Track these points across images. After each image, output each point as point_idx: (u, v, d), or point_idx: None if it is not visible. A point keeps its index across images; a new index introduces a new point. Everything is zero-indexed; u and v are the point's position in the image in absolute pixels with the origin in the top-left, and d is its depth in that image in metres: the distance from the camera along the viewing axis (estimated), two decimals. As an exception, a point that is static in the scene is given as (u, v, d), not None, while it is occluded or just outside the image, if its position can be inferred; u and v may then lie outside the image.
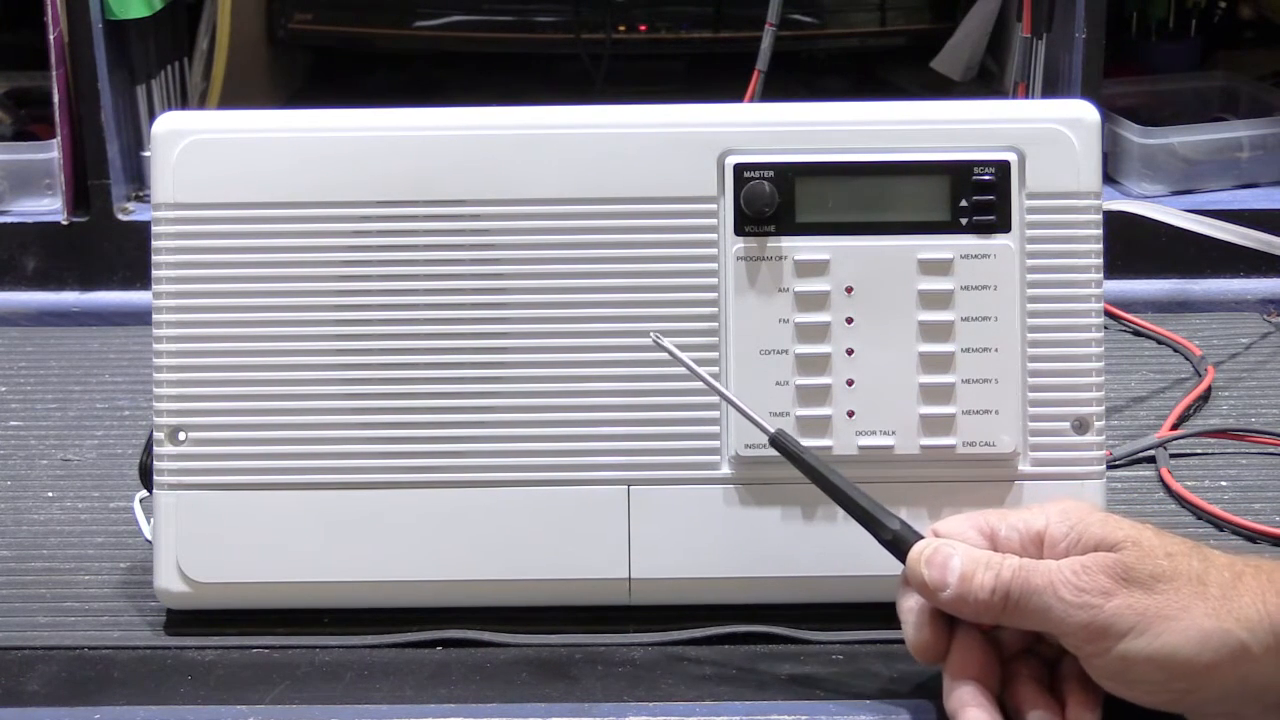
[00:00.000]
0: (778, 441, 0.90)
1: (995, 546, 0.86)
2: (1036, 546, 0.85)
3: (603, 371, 0.95)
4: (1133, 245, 1.36)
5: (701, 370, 0.91)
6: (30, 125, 1.50)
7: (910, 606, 0.86)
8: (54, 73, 1.37)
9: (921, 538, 0.87)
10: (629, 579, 0.95)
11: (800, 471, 0.90)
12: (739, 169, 0.95)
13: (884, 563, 0.91)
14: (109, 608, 0.98)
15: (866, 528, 0.88)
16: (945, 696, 0.85)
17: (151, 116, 1.42)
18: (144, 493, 0.99)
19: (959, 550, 0.85)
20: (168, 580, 0.95)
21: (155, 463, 0.95)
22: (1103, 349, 0.95)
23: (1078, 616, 0.81)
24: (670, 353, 0.91)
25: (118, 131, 1.41)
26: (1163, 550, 0.82)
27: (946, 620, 0.86)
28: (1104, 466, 0.96)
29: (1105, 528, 0.84)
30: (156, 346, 0.96)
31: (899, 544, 0.87)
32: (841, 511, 0.94)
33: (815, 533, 0.95)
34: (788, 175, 0.95)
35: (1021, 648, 0.87)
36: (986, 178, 0.95)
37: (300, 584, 0.95)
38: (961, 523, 0.87)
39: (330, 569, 0.95)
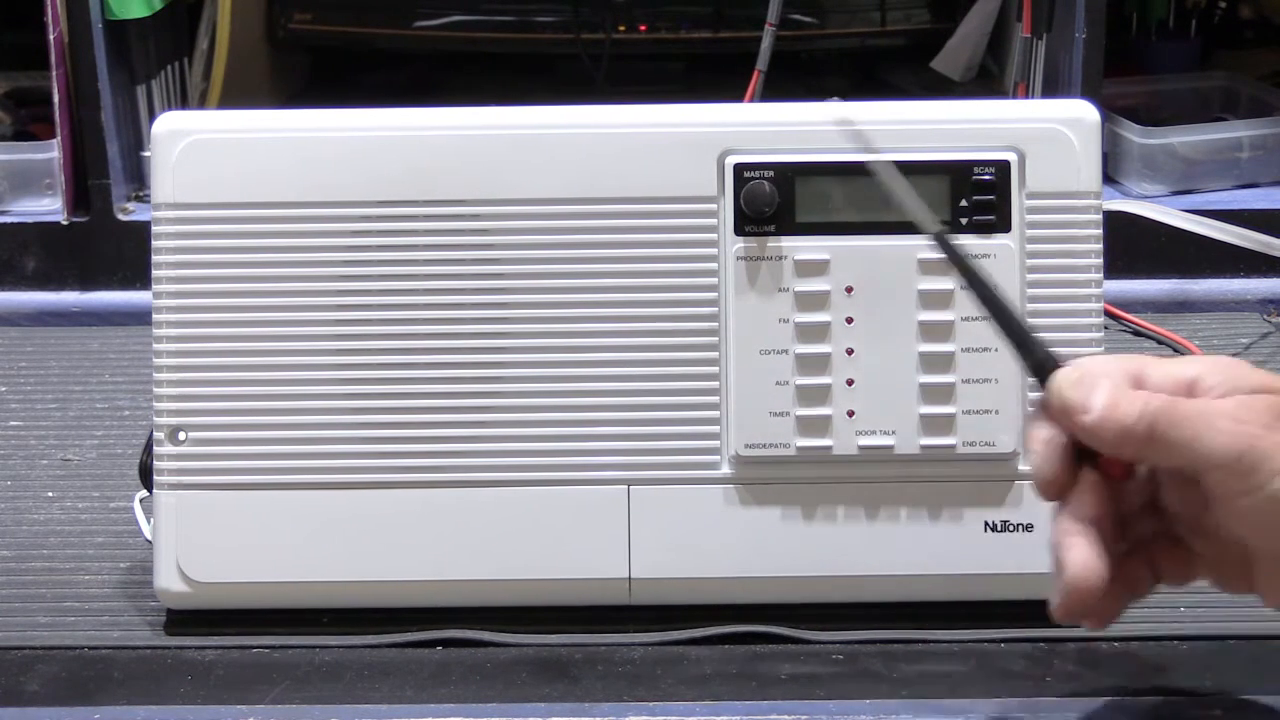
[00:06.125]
0: (941, 239, 0.84)
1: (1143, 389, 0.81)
2: (1187, 393, 0.80)
3: (602, 371, 0.95)
4: (1133, 245, 1.36)
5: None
6: (30, 125, 1.50)
7: (1042, 437, 0.82)
8: (54, 73, 1.37)
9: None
10: (629, 579, 0.95)
11: (959, 273, 0.84)
12: (739, 169, 0.95)
13: (883, 563, 0.91)
14: (109, 608, 0.98)
15: (1014, 346, 0.83)
16: (1052, 529, 0.81)
17: (151, 116, 1.42)
18: (144, 493, 0.99)
19: (1106, 380, 0.80)
20: (168, 580, 0.95)
21: (155, 463, 0.95)
22: (1103, 349, 0.95)
23: (1233, 445, 0.77)
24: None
25: (118, 131, 1.40)
26: None
27: (1075, 460, 0.81)
28: (1104, 466, 0.96)
29: (1264, 377, 0.80)
30: (156, 346, 0.96)
31: (1043, 368, 0.82)
32: (842, 510, 0.94)
33: (815, 533, 0.95)
34: (788, 175, 0.95)
35: (1141, 503, 0.83)
36: (986, 178, 0.95)
37: (300, 584, 0.95)
38: (1108, 361, 0.82)
39: (330, 569, 0.95)
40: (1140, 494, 0.83)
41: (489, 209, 0.95)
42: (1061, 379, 0.81)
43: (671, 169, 0.95)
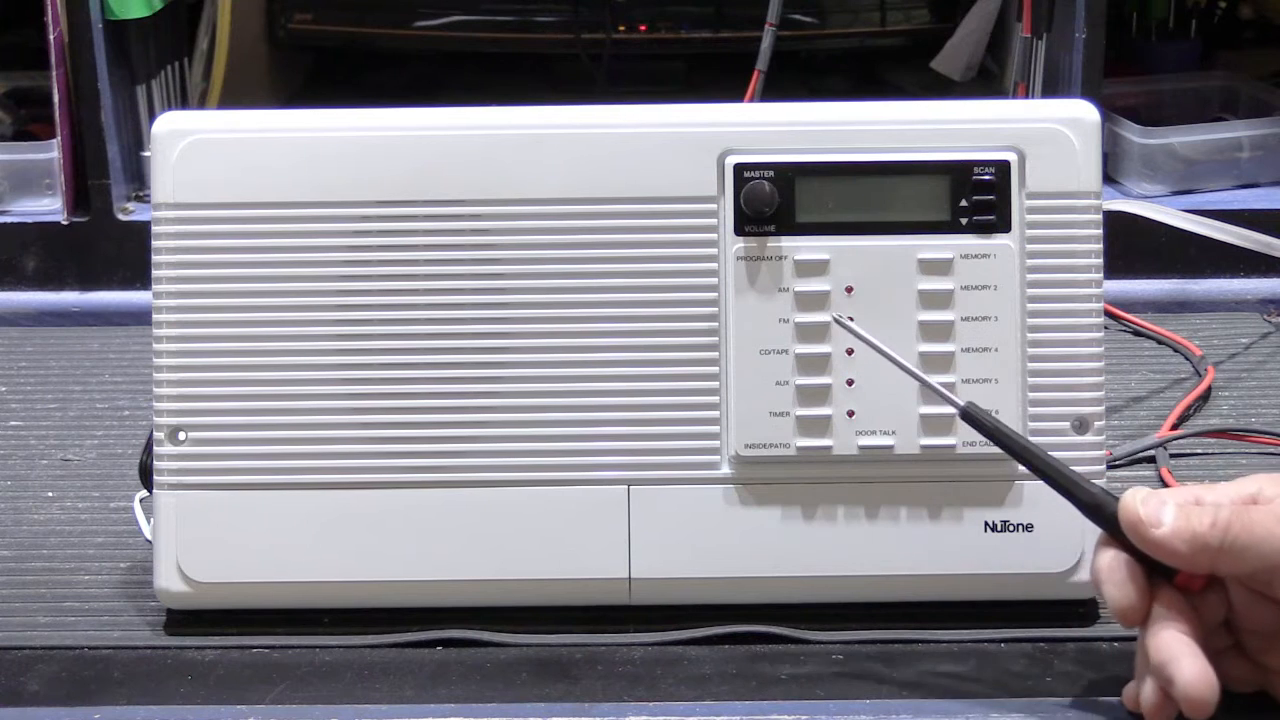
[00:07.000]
0: (969, 414, 0.89)
1: None
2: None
3: (602, 371, 0.95)
4: (1133, 245, 1.36)
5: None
6: (30, 125, 1.50)
7: (1111, 565, 0.84)
8: (54, 73, 1.37)
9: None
10: (629, 579, 0.95)
11: (995, 444, 0.89)
12: (739, 169, 0.95)
13: (883, 563, 0.91)
14: (109, 608, 0.98)
15: (1067, 495, 0.87)
16: (1150, 654, 0.83)
17: (151, 116, 1.42)
18: (144, 493, 0.99)
19: (1173, 497, 0.83)
20: (168, 580, 0.95)
21: (155, 463, 0.95)
22: (1103, 349, 0.95)
23: None
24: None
25: (118, 131, 1.41)
26: None
27: (1149, 580, 0.84)
28: (1104, 466, 0.96)
29: None
30: (156, 346, 0.96)
31: (1101, 506, 0.85)
32: (842, 510, 0.94)
33: (815, 533, 0.95)
34: (788, 175, 0.95)
35: (1218, 622, 0.85)
36: (986, 178, 0.95)
37: (300, 584, 0.95)
38: (1168, 490, 0.85)
39: (330, 569, 0.95)
40: (1217, 612, 0.85)
41: (489, 209, 0.95)
42: (1132, 497, 0.84)
43: (671, 169, 0.95)
